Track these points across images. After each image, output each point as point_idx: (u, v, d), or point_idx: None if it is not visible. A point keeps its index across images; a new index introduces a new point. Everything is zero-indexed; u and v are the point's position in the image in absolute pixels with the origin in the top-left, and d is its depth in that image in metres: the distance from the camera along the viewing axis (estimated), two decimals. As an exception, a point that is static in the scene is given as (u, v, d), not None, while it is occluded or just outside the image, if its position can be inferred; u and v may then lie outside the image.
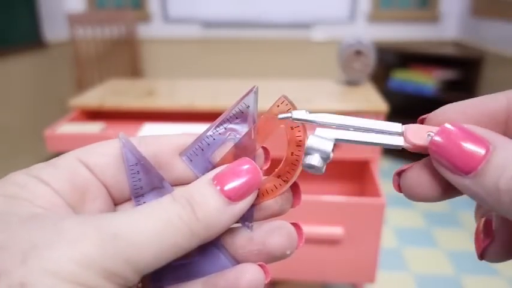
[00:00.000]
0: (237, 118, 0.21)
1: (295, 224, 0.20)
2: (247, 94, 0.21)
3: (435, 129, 0.18)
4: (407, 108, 2.66)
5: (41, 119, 2.42)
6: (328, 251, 1.00)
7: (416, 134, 0.18)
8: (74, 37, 2.39)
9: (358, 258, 1.00)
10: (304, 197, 0.84)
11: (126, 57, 2.61)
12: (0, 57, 2.08)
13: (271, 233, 0.19)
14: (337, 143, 0.19)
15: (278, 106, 0.20)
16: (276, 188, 0.20)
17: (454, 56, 2.25)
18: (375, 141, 0.19)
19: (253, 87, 0.21)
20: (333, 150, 0.18)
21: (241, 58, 2.76)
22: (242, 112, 0.21)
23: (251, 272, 0.19)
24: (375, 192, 1.04)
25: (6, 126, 2.14)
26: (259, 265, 0.19)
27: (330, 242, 0.99)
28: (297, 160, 0.20)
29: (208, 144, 0.21)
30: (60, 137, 1.16)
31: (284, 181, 0.20)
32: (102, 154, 0.20)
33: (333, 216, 0.96)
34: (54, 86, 2.57)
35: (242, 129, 0.21)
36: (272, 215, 0.20)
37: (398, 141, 0.18)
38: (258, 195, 0.20)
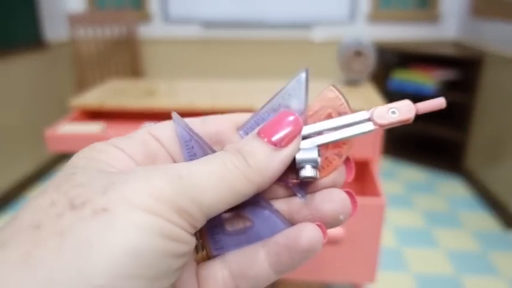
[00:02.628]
0: (289, 95, 0.22)
1: (348, 192, 0.21)
2: (298, 74, 0.23)
3: (396, 104, 0.21)
4: (407, 108, 2.66)
5: (42, 119, 2.42)
6: (328, 251, 1.00)
7: (382, 116, 0.21)
8: (74, 37, 2.39)
9: (358, 258, 1.00)
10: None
11: (126, 58, 2.61)
12: (1, 58, 2.08)
13: (324, 199, 0.21)
14: (320, 146, 0.21)
15: (327, 94, 0.23)
16: (331, 162, 0.21)
17: (454, 56, 2.25)
18: (349, 135, 0.21)
19: (306, 69, 0.23)
20: (318, 155, 0.21)
21: (241, 58, 2.76)
22: (295, 89, 0.22)
23: (311, 229, 0.20)
24: (375, 192, 1.04)
25: (6, 126, 2.15)
26: (317, 225, 0.20)
27: (330, 241, 0.99)
28: None
29: (264, 119, 0.22)
30: (61, 137, 1.16)
31: (337, 155, 0.22)
32: (171, 129, 0.22)
33: (333, 216, 0.96)
34: (54, 86, 2.57)
35: (295, 105, 0.22)
36: (325, 188, 0.22)
37: (369, 127, 0.21)
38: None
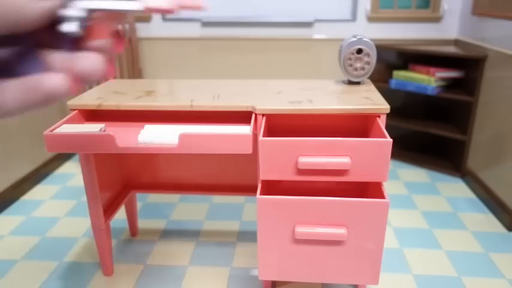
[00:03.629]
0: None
1: (113, 33, 0.27)
2: None
3: None
4: (408, 107, 2.65)
5: (40, 120, 2.40)
6: (331, 252, 0.99)
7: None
8: (73, 37, 2.37)
9: (361, 259, 0.99)
10: (306, 197, 0.81)
11: (125, 57, 2.59)
12: None
13: (81, 56, 0.25)
14: (90, 13, 0.25)
15: None
16: (99, 29, 0.26)
17: (455, 55, 2.24)
18: (118, 8, 0.25)
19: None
20: (85, 17, 0.25)
21: (241, 57, 2.75)
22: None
23: (56, 77, 0.24)
24: (378, 193, 1.02)
25: (5, 127, 2.13)
26: (70, 76, 0.24)
27: (333, 242, 0.97)
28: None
29: None
30: (59, 137, 1.14)
31: (106, 25, 0.26)
32: None
33: (336, 217, 0.95)
34: (53, 86, 2.55)
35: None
36: (91, 50, 0.26)
37: (137, 6, 0.25)
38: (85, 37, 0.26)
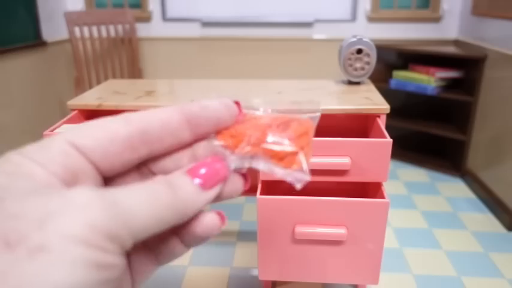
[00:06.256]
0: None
1: (219, 213, 0.24)
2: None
3: None
4: (408, 107, 2.65)
5: (40, 119, 2.41)
6: (331, 252, 0.99)
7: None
8: (72, 36, 2.37)
9: (361, 259, 0.99)
10: (306, 197, 0.82)
11: (125, 57, 2.59)
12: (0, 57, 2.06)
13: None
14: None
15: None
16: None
17: (455, 55, 2.24)
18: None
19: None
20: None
21: (241, 57, 2.75)
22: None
23: (209, 216, 0.23)
24: (378, 193, 1.03)
25: (5, 126, 2.13)
26: (217, 213, 0.23)
27: (333, 242, 0.98)
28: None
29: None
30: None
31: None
32: (92, 137, 0.21)
33: (336, 217, 0.95)
34: (53, 86, 2.55)
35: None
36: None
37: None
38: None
